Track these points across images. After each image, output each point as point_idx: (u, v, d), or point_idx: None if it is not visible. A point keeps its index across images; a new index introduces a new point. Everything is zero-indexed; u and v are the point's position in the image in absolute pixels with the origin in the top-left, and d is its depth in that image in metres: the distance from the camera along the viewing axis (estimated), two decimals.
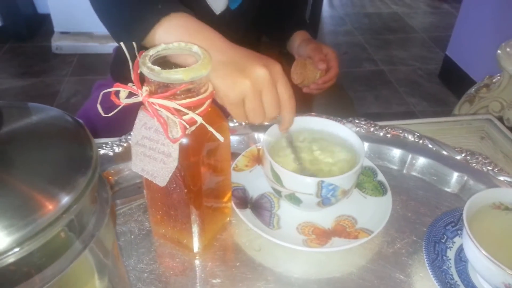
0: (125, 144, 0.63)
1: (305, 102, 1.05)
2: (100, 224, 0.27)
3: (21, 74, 2.25)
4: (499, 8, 1.87)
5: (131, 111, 0.45)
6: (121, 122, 0.65)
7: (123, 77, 0.55)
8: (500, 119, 0.94)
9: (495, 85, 0.97)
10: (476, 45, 2.02)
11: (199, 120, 0.39)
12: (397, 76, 2.31)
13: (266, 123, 0.67)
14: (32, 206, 0.22)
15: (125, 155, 0.61)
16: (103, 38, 2.42)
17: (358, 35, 2.74)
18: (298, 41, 0.86)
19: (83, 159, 0.25)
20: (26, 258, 0.22)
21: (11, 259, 0.21)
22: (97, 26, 2.38)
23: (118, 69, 0.90)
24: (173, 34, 0.47)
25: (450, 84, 2.20)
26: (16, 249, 0.21)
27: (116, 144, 0.62)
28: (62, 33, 2.45)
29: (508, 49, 0.95)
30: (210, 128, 0.39)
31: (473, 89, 1.02)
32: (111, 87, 0.42)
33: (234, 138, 0.66)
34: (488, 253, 0.42)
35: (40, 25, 2.60)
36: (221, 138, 0.40)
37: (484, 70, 1.26)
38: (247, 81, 0.45)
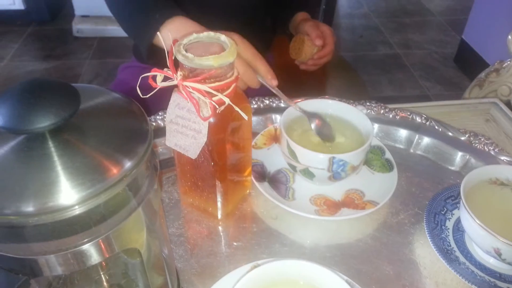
0: (154, 124, 0.69)
1: (319, 86, 1.10)
2: (151, 186, 0.33)
3: (44, 57, 2.33)
4: None
5: (155, 94, 0.51)
6: (144, 105, 0.71)
7: None
8: (508, 103, 0.97)
9: (505, 70, 1.00)
10: (493, 29, 2.02)
11: (227, 101, 0.45)
12: (413, 60, 2.32)
13: (282, 104, 0.73)
14: (101, 169, 0.28)
15: (154, 134, 0.68)
16: None
17: (374, 18, 2.74)
18: (298, 20, 0.92)
19: (140, 132, 0.31)
20: (93, 210, 0.28)
21: (82, 210, 0.27)
22: None
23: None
24: (174, 32, 0.61)
25: (466, 68, 2.21)
26: (86, 202, 0.27)
27: None
28: (83, 16, 2.52)
29: None
30: (236, 108, 0.45)
31: (483, 74, 1.05)
32: (136, 68, 0.49)
33: (253, 119, 0.71)
34: (481, 222, 0.48)
35: (61, 8, 2.68)
36: (245, 117, 0.45)
37: (499, 54, 1.28)
38: None
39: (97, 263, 0.43)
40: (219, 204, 0.56)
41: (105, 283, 0.43)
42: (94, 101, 0.31)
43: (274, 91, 0.61)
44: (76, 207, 0.26)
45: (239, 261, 0.51)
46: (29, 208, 0.25)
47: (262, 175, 0.61)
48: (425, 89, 2.11)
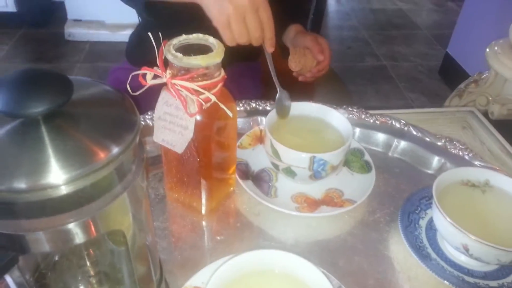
0: (143, 123, 0.71)
1: (306, 93, 1.13)
2: (137, 174, 0.35)
3: (35, 60, 2.33)
4: (500, 7, 1.93)
5: (145, 94, 0.53)
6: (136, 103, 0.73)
7: (140, 60, 0.64)
8: (486, 112, 1.02)
9: (483, 81, 1.04)
10: (476, 43, 2.08)
11: (213, 98, 0.47)
12: (398, 72, 2.38)
13: (268, 107, 0.76)
14: (90, 152, 0.30)
15: (143, 132, 0.70)
16: (114, 27, 2.50)
17: (362, 30, 2.80)
18: (293, 32, 0.94)
19: (129, 121, 0.33)
20: (81, 190, 0.30)
21: (70, 189, 0.29)
22: (109, 15, 2.48)
23: (134, 54, 0.98)
24: None
25: (449, 81, 2.27)
26: (75, 182, 0.29)
27: None
28: (75, 20, 2.53)
29: (496, 48, 1.02)
30: (221, 105, 0.47)
31: (463, 85, 1.09)
32: (128, 71, 0.50)
33: (239, 120, 0.74)
34: (451, 220, 0.50)
35: (54, 12, 2.69)
36: (230, 114, 0.48)
37: (481, 67, 1.33)
38: (231, 6, 0.57)
39: (84, 251, 0.44)
40: (203, 200, 0.58)
41: (91, 271, 0.45)
42: (87, 92, 0.33)
43: (268, 62, 0.65)
44: (65, 186, 0.28)
45: (221, 254, 0.52)
46: (22, 185, 0.27)
47: (246, 173, 0.64)
48: (409, 100, 2.16)
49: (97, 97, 0.34)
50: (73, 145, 0.29)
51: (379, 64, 2.44)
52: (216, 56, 0.47)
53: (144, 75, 0.49)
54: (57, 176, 0.28)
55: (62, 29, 2.49)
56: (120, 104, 0.35)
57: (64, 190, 0.28)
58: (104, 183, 0.32)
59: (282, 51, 1.00)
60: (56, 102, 0.29)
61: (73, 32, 2.49)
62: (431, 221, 0.58)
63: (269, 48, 0.64)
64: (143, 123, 0.71)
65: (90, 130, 0.31)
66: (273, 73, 0.66)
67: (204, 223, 0.58)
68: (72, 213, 0.30)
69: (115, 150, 0.31)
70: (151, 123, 0.71)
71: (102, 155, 0.30)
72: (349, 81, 2.22)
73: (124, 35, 2.56)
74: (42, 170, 0.27)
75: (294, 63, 0.88)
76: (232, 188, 0.63)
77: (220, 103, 0.47)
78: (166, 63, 0.49)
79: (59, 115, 0.30)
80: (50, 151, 0.28)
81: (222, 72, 0.51)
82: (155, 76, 0.49)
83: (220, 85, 0.50)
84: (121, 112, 0.34)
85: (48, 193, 0.28)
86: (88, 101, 0.33)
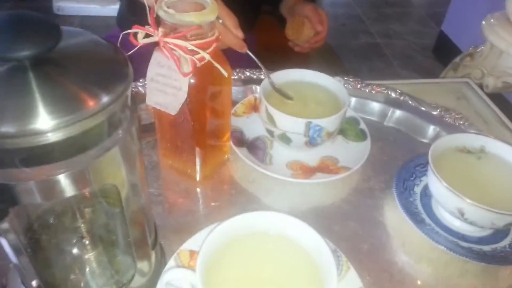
0: (134, 90, 0.70)
1: (301, 65, 1.12)
2: (129, 130, 0.34)
3: None
4: None
5: (137, 60, 0.51)
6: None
7: (132, 26, 0.62)
8: (481, 86, 1.01)
9: (478, 54, 1.03)
10: (470, 21, 2.07)
11: (207, 57, 0.45)
12: (392, 50, 2.36)
13: (263, 76, 0.74)
14: (80, 100, 0.28)
15: (135, 99, 0.68)
16: (104, 1, 2.44)
17: (356, 7, 2.77)
18: (292, 1, 0.92)
19: (121, 72, 0.31)
20: (70, 139, 0.28)
21: (59, 136, 0.27)
22: None
23: (125, 19, 0.95)
24: None
25: (443, 59, 2.26)
26: (64, 129, 0.27)
27: None
28: None
29: (492, 20, 1.01)
30: (215, 64, 0.46)
31: (458, 58, 1.09)
32: (119, 38, 0.48)
33: (234, 89, 0.72)
34: (447, 184, 0.50)
35: None
36: (225, 73, 0.46)
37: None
38: None
39: (78, 212, 0.43)
40: (197, 167, 0.57)
41: (85, 233, 0.44)
42: (78, 40, 0.32)
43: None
44: (54, 132, 0.27)
45: (216, 220, 0.51)
46: (9, 129, 0.26)
47: (240, 141, 0.63)
48: (403, 78, 2.15)
49: (89, 47, 0.33)
50: (62, 92, 0.28)
51: (373, 42, 2.42)
52: (210, 13, 0.46)
53: (135, 35, 0.48)
54: (45, 122, 0.26)
55: (50, 2, 2.42)
56: (112, 55, 0.33)
57: (53, 136, 0.27)
58: (94, 133, 0.30)
59: (279, 21, 0.98)
60: (44, 45, 0.28)
61: (62, 5, 2.43)
62: (426, 188, 0.58)
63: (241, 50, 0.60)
64: (134, 89, 0.69)
65: (80, 78, 0.29)
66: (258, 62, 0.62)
67: (198, 189, 0.58)
68: (62, 163, 0.29)
69: (106, 99, 0.30)
70: (143, 90, 0.70)
71: (91, 103, 0.29)
72: (343, 58, 2.20)
73: (114, 9, 2.49)
74: (30, 115, 0.26)
75: (292, 31, 0.87)
76: (226, 156, 0.62)
77: (214, 62, 0.46)
78: (158, 22, 0.47)
79: (47, 61, 0.29)
80: (38, 96, 0.27)
81: (216, 32, 0.49)
82: (147, 36, 0.48)
83: (214, 45, 0.49)
84: (113, 62, 0.32)
85: (36, 140, 0.27)
86: (79, 50, 0.32)
